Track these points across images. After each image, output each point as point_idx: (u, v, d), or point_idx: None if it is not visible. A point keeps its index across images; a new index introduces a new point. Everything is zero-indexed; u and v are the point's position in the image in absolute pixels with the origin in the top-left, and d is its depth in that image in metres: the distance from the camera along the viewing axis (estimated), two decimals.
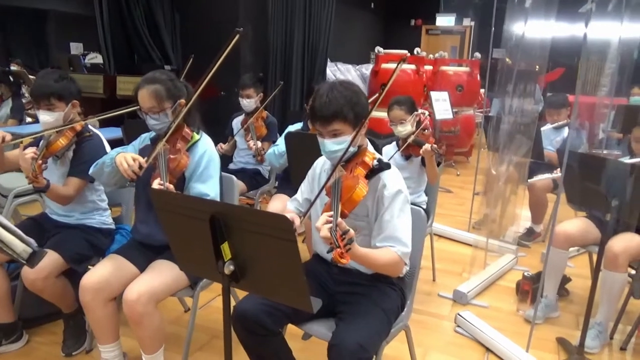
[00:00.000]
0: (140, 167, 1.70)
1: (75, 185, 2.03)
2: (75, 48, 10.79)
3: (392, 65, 6.19)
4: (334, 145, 1.56)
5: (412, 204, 2.72)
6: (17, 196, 2.92)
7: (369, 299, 1.61)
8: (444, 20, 11.53)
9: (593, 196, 2.17)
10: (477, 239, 3.59)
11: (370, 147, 1.70)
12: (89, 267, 1.96)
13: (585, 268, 3.05)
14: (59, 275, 1.99)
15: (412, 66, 6.11)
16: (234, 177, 2.19)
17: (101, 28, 4.57)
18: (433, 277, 3.10)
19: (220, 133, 3.63)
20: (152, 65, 4.25)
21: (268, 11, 4.78)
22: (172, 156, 1.81)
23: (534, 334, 2.43)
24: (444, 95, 5.41)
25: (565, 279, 2.93)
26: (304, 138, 2.46)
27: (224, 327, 1.34)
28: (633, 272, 2.48)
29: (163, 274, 1.79)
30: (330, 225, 1.31)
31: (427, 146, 2.52)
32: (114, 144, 3.24)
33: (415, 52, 6.30)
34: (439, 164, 2.72)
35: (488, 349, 2.36)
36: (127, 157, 1.71)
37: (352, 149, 1.58)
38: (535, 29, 3.10)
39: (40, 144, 1.95)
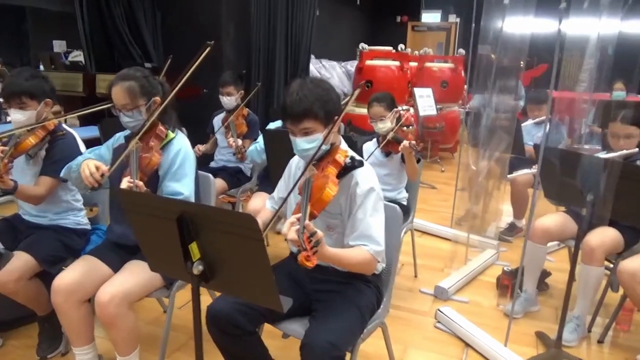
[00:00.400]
0: (103, 175, 1.67)
1: (46, 184, 1.99)
2: (59, 46, 10.63)
3: (377, 62, 6.20)
4: (305, 143, 1.56)
5: (392, 200, 2.77)
6: None
7: (343, 297, 1.60)
8: (430, 17, 11.56)
9: (569, 191, 2.18)
10: (458, 234, 3.61)
11: (343, 145, 1.69)
12: (64, 268, 1.93)
13: (566, 262, 3.08)
14: (32, 277, 1.96)
15: (397, 63, 6.12)
16: (210, 175, 2.17)
17: (82, 25, 4.51)
18: (415, 274, 3.10)
19: (203, 131, 3.61)
20: (133, 63, 4.20)
21: (250, 8, 4.74)
22: (144, 154, 1.79)
23: (514, 329, 2.45)
24: (428, 91, 5.43)
25: (545, 274, 2.95)
26: (283, 135, 2.43)
27: (194, 328, 1.32)
28: (611, 265, 2.50)
29: (137, 274, 1.76)
30: (298, 227, 1.30)
31: (405, 143, 2.52)
32: (91, 142, 3.21)
33: (399, 48, 6.31)
34: (418, 161, 2.72)
35: (467, 344, 2.37)
36: (90, 165, 1.68)
37: (324, 147, 1.58)
38: (514, 25, 3.11)
39: (9, 143, 1.92)
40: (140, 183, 1.69)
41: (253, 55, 4.87)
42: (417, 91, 5.34)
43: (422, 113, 5.21)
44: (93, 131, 3.33)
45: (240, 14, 4.79)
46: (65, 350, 2.15)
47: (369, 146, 2.85)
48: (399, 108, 2.91)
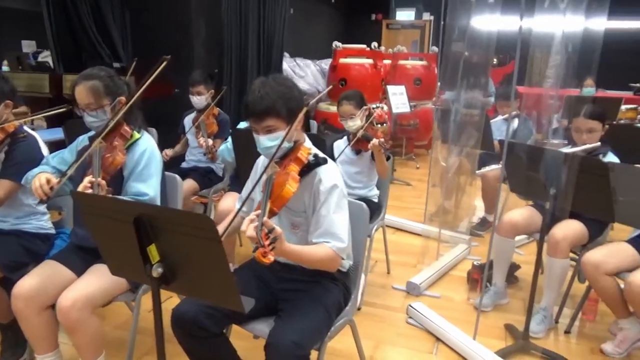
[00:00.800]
0: (52, 188, 1.67)
1: (5, 187, 1.94)
2: (28, 46, 10.37)
3: (351, 60, 6.21)
4: (268, 141, 1.55)
5: (364, 198, 2.78)
6: None
7: (310, 296, 1.60)
8: (404, 15, 11.63)
9: (533, 185, 2.23)
10: (430, 230, 3.64)
11: (307, 143, 1.69)
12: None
13: (535, 255, 3.13)
14: None
15: (370, 60, 6.14)
16: (177, 176, 2.13)
17: (49, 25, 4.40)
18: (387, 270, 3.13)
19: (175, 131, 3.57)
20: (101, 63, 4.11)
21: (221, 6, 4.70)
22: (107, 154, 1.77)
23: (484, 322, 2.50)
24: (401, 89, 5.46)
25: (514, 267, 3.01)
26: (251, 135, 2.43)
27: (156, 331, 1.31)
28: (577, 257, 2.56)
29: (100, 278, 1.73)
30: (256, 224, 1.30)
31: (374, 141, 2.53)
32: (57, 144, 3.15)
33: (372, 46, 6.34)
34: (388, 158, 2.74)
35: (438, 339, 2.40)
36: (42, 177, 1.69)
37: (287, 145, 1.57)
38: (481, 22, 3.16)
39: None
40: (103, 182, 1.67)
41: (225, 54, 4.83)
42: (390, 89, 5.37)
43: (395, 110, 5.25)
44: (57, 133, 3.26)
45: (211, 12, 4.75)
46: (30, 358, 2.09)
47: (340, 144, 2.86)
48: (373, 106, 2.93)
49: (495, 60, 7.84)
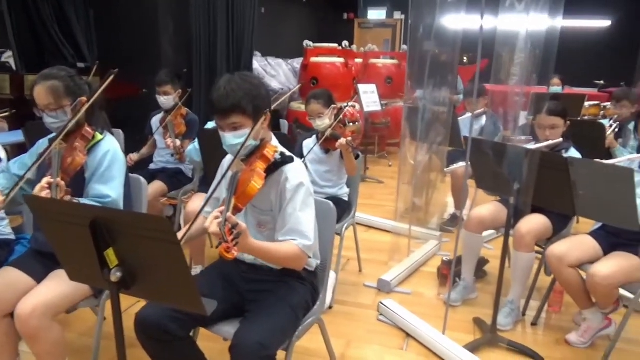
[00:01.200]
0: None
1: None
2: None
3: (322, 59, 6.22)
4: (233, 138, 1.54)
5: (334, 196, 2.78)
6: None
7: (276, 296, 1.59)
8: (375, 14, 11.73)
9: (499, 181, 2.27)
10: (401, 227, 3.67)
11: (274, 141, 1.68)
12: None
13: None
14: None
15: (341, 59, 6.15)
16: (141, 178, 2.09)
17: (10, 25, 4.27)
18: (359, 268, 3.14)
19: (141, 132, 3.50)
20: (64, 64, 4.01)
21: (190, 4, 4.63)
22: (67, 155, 1.73)
23: (453, 317, 2.54)
24: (372, 87, 5.49)
25: (483, 262, 3.06)
26: (218, 135, 2.41)
27: (116, 337, 1.29)
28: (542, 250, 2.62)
29: (61, 284, 1.68)
30: (220, 220, 1.28)
31: (342, 140, 2.54)
32: (16, 148, 3.05)
33: (343, 45, 6.35)
34: (357, 157, 2.75)
35: (408, 335, 2.42)
36: None
37: (253, 143, 1.57)
38: (447, 21, 3.20)
39: None
40: (62, 183, 1.63)
41: (194, 53, 4.77)
42: (362, 87, 5.39)
43: (366, 109, 5.27)
44: (17, 136, 3.16)
45: (178, 10, 4.67)
46: None
47: (309, 143, 2.86)
48: (345, 104, 2.94)
49: (465, 58, 7.95)
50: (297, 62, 7.55)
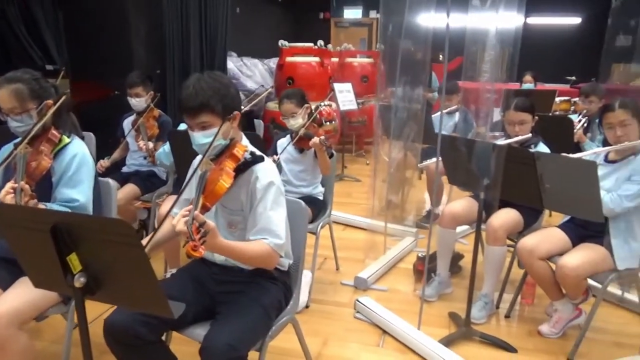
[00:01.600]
0: None
1: None
2: None
3: (298, 59, 6.21)
4: (202, 137, 1.53)
5: (309, 196, 2.78)
6: None
7: (247, 296, 1.59)
8: (351, 13, 11.78)
9: (469, 176, 2.30)
10: (376, 224, 3.69)
11: (244, 141, 1.68)
12: None
13: None
14: None
15: (317, 59, 6.16)
16: (111, 181, 2.06)
17: None
18: (336, 267, 3.15)
19: (113, 134, 3.45)
20: (33, 66, 3.92)
21: (162, 5, 4.57)
22: (32, 159, 1.70)
23: (429, 312, 2.57)
24: (348, 86, 5.51)
25: (458, 256, 3.10)
26: (189, 136, 2.39)
27: (82, 344, 1.26)
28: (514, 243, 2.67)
29: (27, 291, 1.63)
30: (187, 218, 1.27)
31: (315, 139, 2.55)
32: None
33: (318, 44, 6.36)
34: (331, 156, 2.75)
35: (384, 331, 2.44)
36: None
37: (222, 142, 1.56)
38: (416, 19, 3.23)
39: None
40: (26, 187, 1.60)
41: (167, 54, 4.71)
42: (337, 86, 5.40)
43: (342, 108, 5.29)
44: None
45: (150, 10, 4.61)
46: None
47: (283, 142, 2.85)
48: (321, 103, 2.94)
49: (440, 56, 8.06)
50: (273, 62, 7.52)
